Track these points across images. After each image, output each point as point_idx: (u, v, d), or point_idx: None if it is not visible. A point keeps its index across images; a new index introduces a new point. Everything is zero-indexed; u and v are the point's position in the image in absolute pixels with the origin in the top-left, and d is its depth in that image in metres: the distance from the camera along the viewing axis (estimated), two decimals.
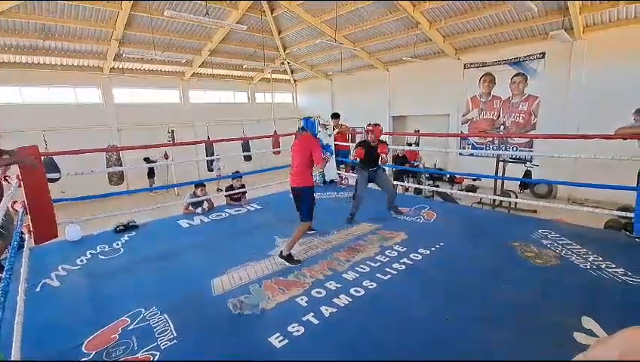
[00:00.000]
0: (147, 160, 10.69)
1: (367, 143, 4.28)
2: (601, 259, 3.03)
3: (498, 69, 9.21)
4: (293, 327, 2.20)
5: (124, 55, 9.22)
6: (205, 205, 5.06)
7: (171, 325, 2.25)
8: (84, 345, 2.10)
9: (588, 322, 2.16)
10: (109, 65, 10.24)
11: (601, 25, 7.30)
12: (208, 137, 11.76)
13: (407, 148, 9.39)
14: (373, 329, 2.21)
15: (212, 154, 11.10)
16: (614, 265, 2.88)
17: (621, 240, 3.61)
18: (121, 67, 10.70)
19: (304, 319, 2.29)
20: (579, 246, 3.30)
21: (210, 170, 11.51)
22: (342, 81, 13.63)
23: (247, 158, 11.78)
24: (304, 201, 3.35)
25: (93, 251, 3.64)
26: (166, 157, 11.02)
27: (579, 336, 2.04)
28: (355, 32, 9.90)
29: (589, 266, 2.92)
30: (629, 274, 2.73)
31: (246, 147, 11.35)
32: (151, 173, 11.25)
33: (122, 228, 4.26)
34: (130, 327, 2.25)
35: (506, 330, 2.14)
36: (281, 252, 3.22)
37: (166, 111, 12.18)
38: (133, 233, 4.21)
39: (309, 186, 3.37)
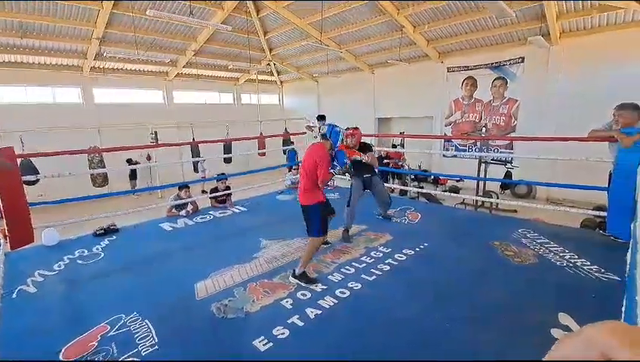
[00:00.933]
0: (130, 161, 10.44)
1: (348, 149, 3.85)
2: (576, 256, 3.14)
3: (479, 73, 9.44)
4: (278, 330, 2.19)
5: (105, 54, 8.99)
6: (189, 207, 4.99)
7: (153, 331, 2.20)
8: (61, 353, 2.04)
9: (564, 318, 2.24)
10: (89, 65, 9.95)
11: (576, 31, 7.59)
12: (193, 138, 11.59)
13: (392, 150, 9.50)
14: (358, 330, 2.23)
15: (198, 156, 10.95)
16: (589, 263, 3.00)
17: (596, 239, 3.75)
18: (102, 66, 10.43)
19: (289, 321, 2.28)
20: (556, 245, 3.41)
21: (197, 171, 11.34)
22: (328, 82, 13.68)
23: (228, 160, 11.65)
24: (310, 218, 3.00)
25: (71, 256, 3.53)
26: (148, 158, 10.79)
27: (556, 332, 2.11)
28: (341, 35, 9.96)
29: (565, 264, 3.02)
30: (603, 271, 2.85)
31: (228, 149, 11.23)
32: (133, 175, 10.99)
33: (102, 231, 4.15)
34: (110, 334, 2.20)
35: (488, 329, 2.19)
36: (294, 271, 2.90)
37: (149, 112, 11.93)
38: (114, 237, 4.10)
39: (316, 203, 2.98)
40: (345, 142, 3.84)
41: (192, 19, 6.10)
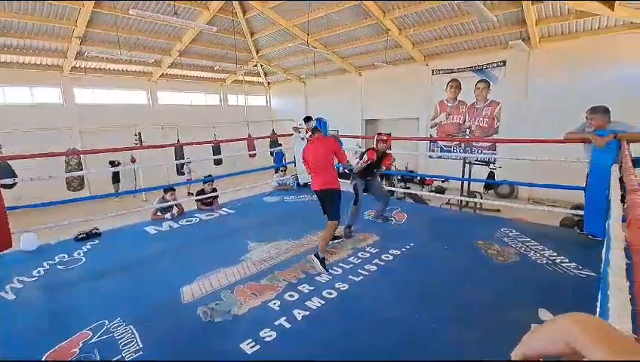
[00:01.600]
0: (113, 163, 10.22)
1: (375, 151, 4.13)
2: (556, 254, 3.24)
3: (463, 76, 9.65)
4: (265, 332, 2.19)
5: (86, 54, 8.78)
6: (175, 210, 4.91)
7: (137, 336, 2.16)
8: (42, 359, 1.98)
9: (544, 314, 2.31)
10: (69, 64, 9.70)
11: (554, 36, 7.86)
12: (178, 140, 11.42)
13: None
14: (345, 330, 2.24)
15: (182, 158, 10.80)
16: (568, 260, 3.10)
17: (574, 237, 3.87)
18: (83, 66, 10.18)
19: (276, 323, 2.28)
20: (536, 243, 3.52)
21: (180, 173, 11.18)
22: (315, 84, 13.72)
23: (218, 162, 11.54)
24: (333, 202, 3.29)
25: (51, 261, 3.43)
26: (133, 160, 10.57)
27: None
28: (328, 37, 10.02)
29: (545, 261, 3.12)
30: (580, 267, 2.95)
31: (217, 150, 11.13)
32: (116, 178, 10.75)
33: (84, 236, 4.04)
34: (93, 340, 2.15)
35: (472, 328, 2.23)
36: (317, 253, 3.13)
37: (133, 113, 11.70)
38: (97, 241, 4.00)
39: (337, 188, 3.31)
40: (377, 147, 4.14)
41: (177, 19, 6.02)
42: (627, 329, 0.83)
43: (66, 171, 9.26)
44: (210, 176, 5.76)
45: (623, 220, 1.76)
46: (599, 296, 2.04)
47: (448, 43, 9.10)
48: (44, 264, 3.36)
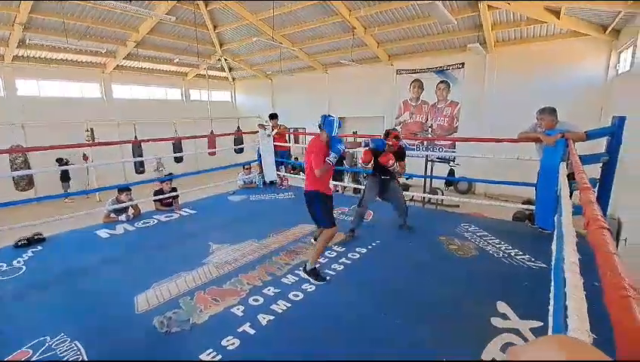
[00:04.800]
0: (60, 161, 9.40)
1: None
2: (511, 247, 3.42)
3: (425, 76, 9.97)
4: (228, 341, 2.08)
5: (27, 41, 7.98)
6: (130, 211, 4.60)
7: (83, 352, 1.97)
8: None
9: (502, 306, 2.41)
10: (11, 53, 8.78)
11: (508, 41, 8.34)
12: (135, 136, 10.76)
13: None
14: (310, 333, 2.20)
15: (141, 155, 10.20)
16: (521, 253, 3.28)
17: (526, 230, 4.12)
18: (27, 55, 9.25)
19: (239, 330, 2.18)
20: (493, 237, 3.69)
21: (139, 172, 10.56)
22: (282, 81, 13.54)
23: (179, 160, 11.04)
24: (315, 207, 3.02)
25: None
26: (85, 158, 9.80)
27: (495, 321, 2.26)
28: (294, 33, 9.90)
29: (501, 255, 3.28)
30: (533, 259, 3.14)
31: (178, 148, 10.64)
32: (65, 177, 9.92)
33: (25, 242, 3.65)
34: (33, 359, 1.93)
35: (436, 325, 2.26)
36: (305, 266, 2.91)
37: (84, 108, 10.85)
38: (39, 247, 3.63)
39: (316, 190, 2.98)
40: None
41: (127, 6, 5.59)
42: (585, 326, 0.85)
43: (12, 170, 8.41)
44: (171, 174, 5.47)
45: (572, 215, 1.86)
46: (552, 288, 2.16)
47: (411, 44, 9.34)
48: None
